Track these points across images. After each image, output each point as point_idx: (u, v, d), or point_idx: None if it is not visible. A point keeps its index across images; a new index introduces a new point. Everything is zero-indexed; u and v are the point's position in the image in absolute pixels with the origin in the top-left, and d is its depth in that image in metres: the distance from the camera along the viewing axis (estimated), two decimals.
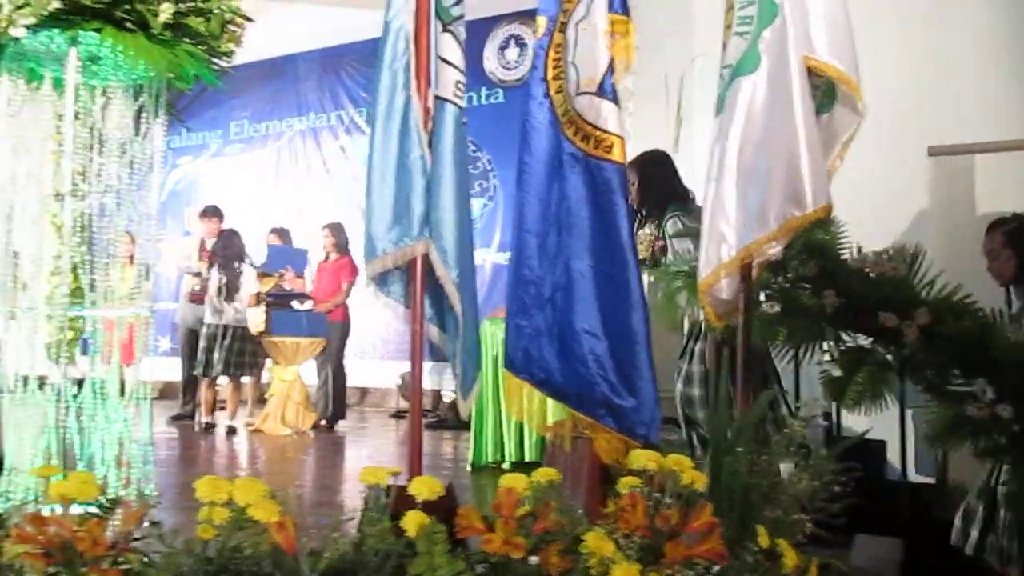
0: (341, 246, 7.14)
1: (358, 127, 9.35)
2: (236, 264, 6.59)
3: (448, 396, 7.86)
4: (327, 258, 7.23)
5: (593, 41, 2.29)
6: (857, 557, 2.50)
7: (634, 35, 2.49)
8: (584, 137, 2.28)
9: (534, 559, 1.23)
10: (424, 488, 1.37)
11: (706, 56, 6.90)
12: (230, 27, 2.36)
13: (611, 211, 2.26)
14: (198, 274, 6.81)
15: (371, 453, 5.93)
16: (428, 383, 8.36)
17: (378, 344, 8.92)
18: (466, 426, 7.04)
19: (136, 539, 1.33)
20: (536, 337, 2.28)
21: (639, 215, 3.81)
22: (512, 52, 8.62)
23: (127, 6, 2.12)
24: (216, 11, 2.25)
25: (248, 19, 2.32)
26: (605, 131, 2.25)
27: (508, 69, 8.59)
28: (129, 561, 1.19)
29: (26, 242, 2.29)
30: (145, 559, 1.21)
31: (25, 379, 2.19)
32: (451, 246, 2.13)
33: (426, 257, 2.15)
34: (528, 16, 8.45)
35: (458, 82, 2.20)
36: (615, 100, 2.30)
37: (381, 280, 2.27)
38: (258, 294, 7.09)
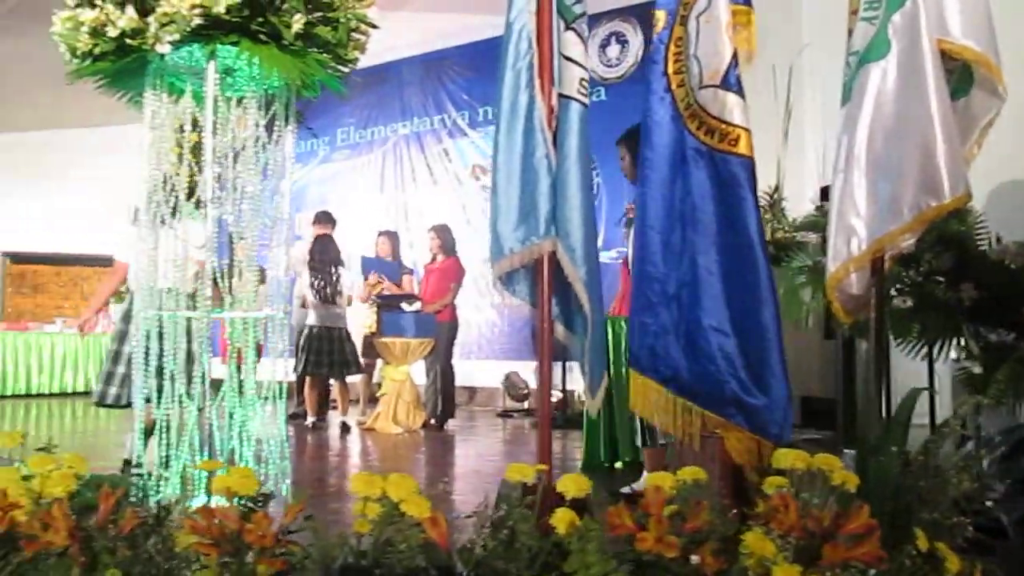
0: (447, 248, 7.24)
1: (460, 130, 9.49)
2: (332, 268, 6.80)
3: (556, 395, 7.88)
4: (434, 260, 7.33)
5: (716, 33, 2.25)
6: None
7: (755, 25, 2.44)
8: (708, 131, 2.24)
9: (695, 558, 1.21)
10: (572, 485, 1.37)
11: (814, 45, 6.73)
12: (355, 35, 2.42)
13: (738, 205, 2.21)
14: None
15: (482, 451, 5.98)
16: (533, 382, 8.42)
17: (484, 344, 9.03)
18: (573, 424, 7.06)
19: (291, 532, 1.37)
20: (662, 335, 2.25)
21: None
22: (613, 50, 8.58)
23: (261, 18, 2.20)
24: (343, 20, 2.31)
25: (374, 26, 2.37)
26: (730, 124, 2.21)
27: (609, 67, 8.56)
28: (291, 553, 1.23)
29: (170, 248, 2.39)
30: (304, 551, 1.25)
31: (172, 377, 2.29)
32: (578, 244, 2.13)
33: (552, 256, 2.15)
34: (629, 13, 8.43)
35: (582, 79, 2.19)
36: (740, 92, 2.25)
37: (507, 279, 2.28)
38: (368, 296, 7.29)
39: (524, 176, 2.15)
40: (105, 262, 12.27)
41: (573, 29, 2.21)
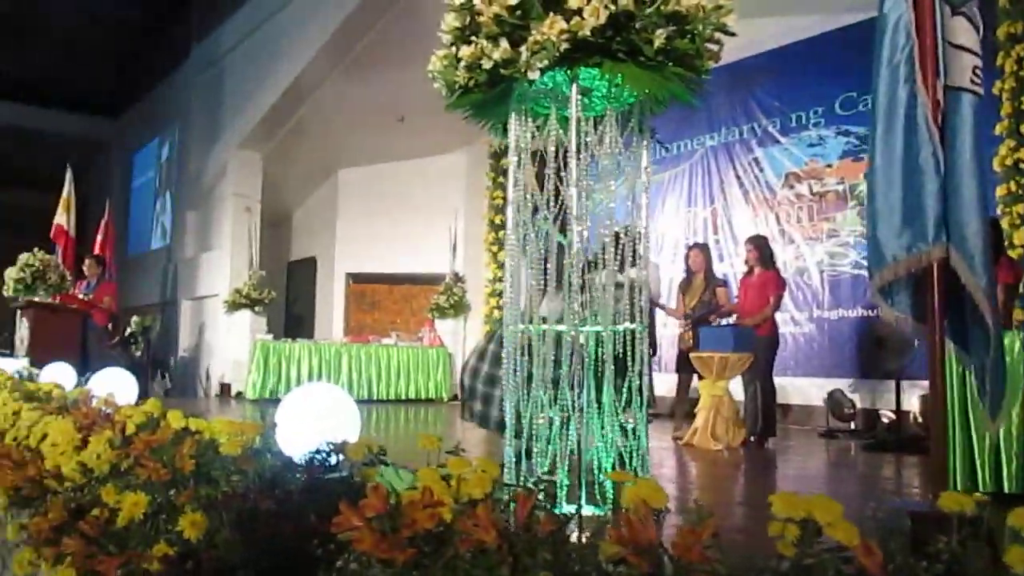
0: (765, 259, 6.99)
1: (772, 138, 9.16)
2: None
3: (886, 416, 7.30)
4: (750, 272, 7.11)
5: None
6: None
7: None
8: None
9: None
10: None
11: None
12: (709, 45, 2.39)
13: None
14: None
15: (807, 472, 5.66)
16: (860, 402, 7.85)
17: (802, 360, 8.60)
18: (908, 449, 6.47)
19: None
20: None
21: None
22: None
23: (620, 37, 2.25)
24: (700, 30, 2.29)
25: (732, 34, 2.33)
26: None
27: None
28: (715, 571, 1.20)
29: (534, 265, 2.50)
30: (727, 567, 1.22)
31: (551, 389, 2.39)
32: (977, 251, 1.92)
33: (943, 264, 1.96)
34: None
35: (975, 68, 1.98)
36: None
37: (887, 291, 2.11)
38: (684, 311, 7.24)
39: (907, 178, 1.99)
40: (431, 280, 13.42)
41: (962, 14, 2.00)
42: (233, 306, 12.53)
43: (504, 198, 12.52)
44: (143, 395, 4.87)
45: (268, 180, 13.66)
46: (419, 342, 12.57)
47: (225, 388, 12.95)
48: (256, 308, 12.50)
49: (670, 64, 2.32)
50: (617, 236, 2.53)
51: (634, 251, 2.49)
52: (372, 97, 12.12)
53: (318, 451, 1.99)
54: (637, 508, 1.31)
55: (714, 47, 2.42)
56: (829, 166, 8.60)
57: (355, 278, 14.46)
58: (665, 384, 7.70)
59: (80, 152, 18.36)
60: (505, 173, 12.45)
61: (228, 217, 13.39)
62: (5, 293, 9.69)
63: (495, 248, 12.53)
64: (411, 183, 13.88)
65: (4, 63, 18.02)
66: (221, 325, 13.13)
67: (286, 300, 15.81)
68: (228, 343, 12.88)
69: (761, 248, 7.01)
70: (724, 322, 7.17)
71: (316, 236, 15.41)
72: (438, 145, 13.32)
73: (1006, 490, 4.18)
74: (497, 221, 12.58)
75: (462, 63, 2.36)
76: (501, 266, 12.35)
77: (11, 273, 9.58)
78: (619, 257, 2.56)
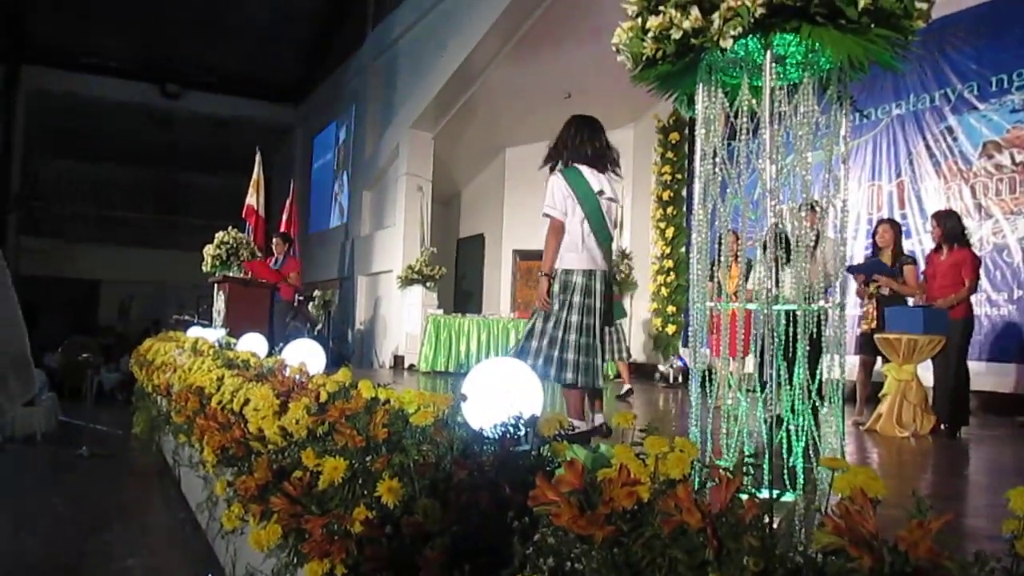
0: (953, 236, 6.46)
1: (968, 103, 8.46)
2: None
3: None
4: (939, 249, 6.61)
5: None
6: None
7: None
8: None
9: None
10: None
11: None
12: (918, 3, 2.21)
13: None
14: None
15: (1005, 466, 5.23)
16: None
17: (999, 344, 7.95)
18: None
19: None
20: None
21: None
22: None
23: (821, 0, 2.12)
24: None
25: None
26: None
27: None
28: (946, 569, 1.12)
29: (723, 242, 2.43)
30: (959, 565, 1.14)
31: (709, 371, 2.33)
32: None
33: None
34: None
35: None
36: None
37: None
38: (867, 289, 6.86)
39: None
40: None
41: None
42: (406, 281, 13.01)
43: (672, 174, 12.33)
44: (329, 366, 5.14)
45: (438, 159, 14.04)
46: None
47: (398, 360, 13.49)
48: (428, 284, 12.93)
49: (874, 25, 2.17)
50: (813, 208, 2.41)
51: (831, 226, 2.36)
52: (538, 75, 12.17)
53: (508, 424, 2.02)
54: (855, 497, 1.24)
55: (924, 4, 2.23)
56: None
57: (522, 255, 14.65)
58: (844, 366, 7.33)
59: (267, 137, 19.60)
60: (673, 148, 12.25)
61: (401, 196, 13.88)
62: (204, 268, 10.50)
63: (662, 225, 12.32)
64: None
65: (201, 56, 19.46)
66: (395, 300, 13.68)
67: (455, 276, 16.25)
68: (401, 317, 13.40)
69: (948, 224, 6.50)
70: (911, 302, 6.73)
71: (484, 213, 15.72)
72: (605, 121, 13.09)
73: None
74: (665, 197, 12.34)
75: (649, 34, 2.30)
76: (669, 243, 12.12)
77: (209, 250, 10.36)
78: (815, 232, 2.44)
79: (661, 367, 11.52)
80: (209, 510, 4.03)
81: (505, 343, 11.76)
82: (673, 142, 12.33)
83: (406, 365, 12.96)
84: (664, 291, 12.10)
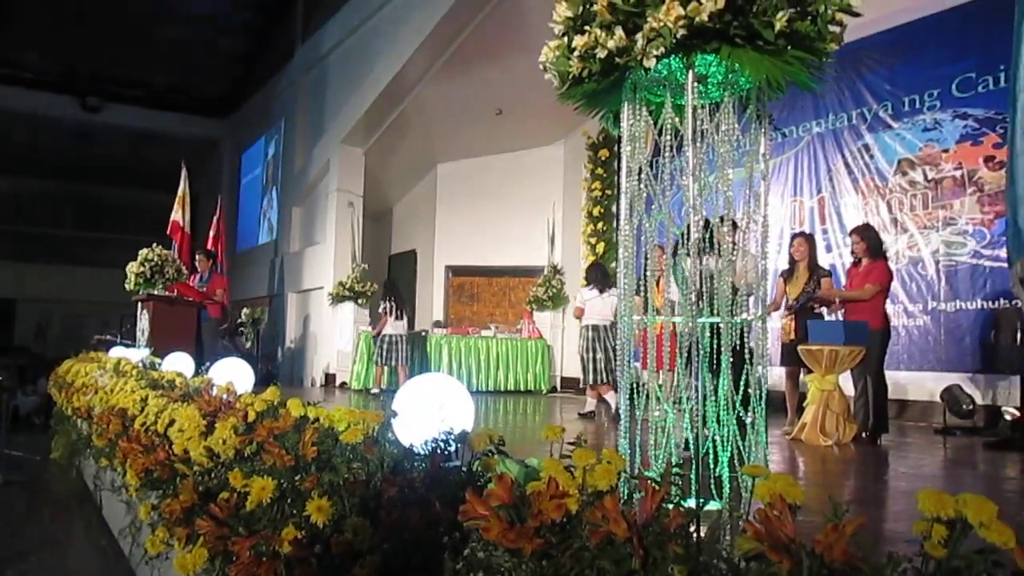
0: (873, 250, 6.73)
1: (883, 122, 8.81)
2: None
3: (1010, 413, 6.94)
4: (858, 263, 6.86)
5: None
6: None
7: None
8: None
9: None
10: None
11: None
12: (831, 26, 2.31)
13: None
14: None
15: (922, 471, 5.42)
16: (980, 398, 7.49)
17: (916, 354, 8.26)
18: None
19: None
20: None
21: None
22: None
23: (739, 21, 2.19)
24: (822, 11, 2.21)
25: (857, 14, 2.24)
26: None
27: None
28: (859, 571, 1.16)
29: (649, 257, 2.47)
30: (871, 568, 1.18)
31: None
32: None
33: None
34: None
35: None
36: None
37: None
38: (786, 303, 7.06)
39: None
40: (529, 272, 13.48)
41: None
42: (337, 298, 12.88)
43: (602, 190, 12.49)
44: (257, 384, 5.05)
45: (370, 175, 13.97)
46: (518, 334, 12.65)
47: (330, 378, 13.32)
48: (359, 300, 12.81)
49: (791, 48, 2.25)
50: (735, 224, 2.47)
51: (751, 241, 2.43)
52: (470, 92, 12.24)
53: (439, 440, 2.02)
54: (775, 503, 1.28)
55: (836, 29, 2.33)
56: (946, 151, 8.21)
57: (454, 270, 14.64)
58: (770, 378, 7.53)
59: (194, 152, 19.21)
60: (603, 165, 12.43)
61: (332, 212, 13.75)
62: (127, 287, 10.21)
63: (593, 240, 12.47)
64: (509, 176, 13.96)
65: (127, 70, 19.02)
66: (326, 317, 13.52)
67: None
68: (332, 334, 13.24)
69: (868, 237, 6.76)
70: (827, 313, 6.95)
71: (416, 229, 15.68)
72: (536, 138, 13.35)
73: None
74: (595, 213, 12.51)
75: (575, 53, 2.34)
76: (600, 258, 12.28)
77: (132, 268, 10.08)
78: (735, 247, 2.51)
79: None
80: (132, 536, 3.91)
81: (438, 360, 11.73)
82: (603, 158, 12.51)
83: (338, 383, 12.81)
84: None
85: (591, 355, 8.07)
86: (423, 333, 12.41)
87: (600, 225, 12.46)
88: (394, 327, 11.01)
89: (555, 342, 13.03)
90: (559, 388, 13.06)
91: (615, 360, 7.33)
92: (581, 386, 12.08)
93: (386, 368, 11.11)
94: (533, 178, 13.80)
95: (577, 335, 8.48)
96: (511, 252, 13.77)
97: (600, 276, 8.30)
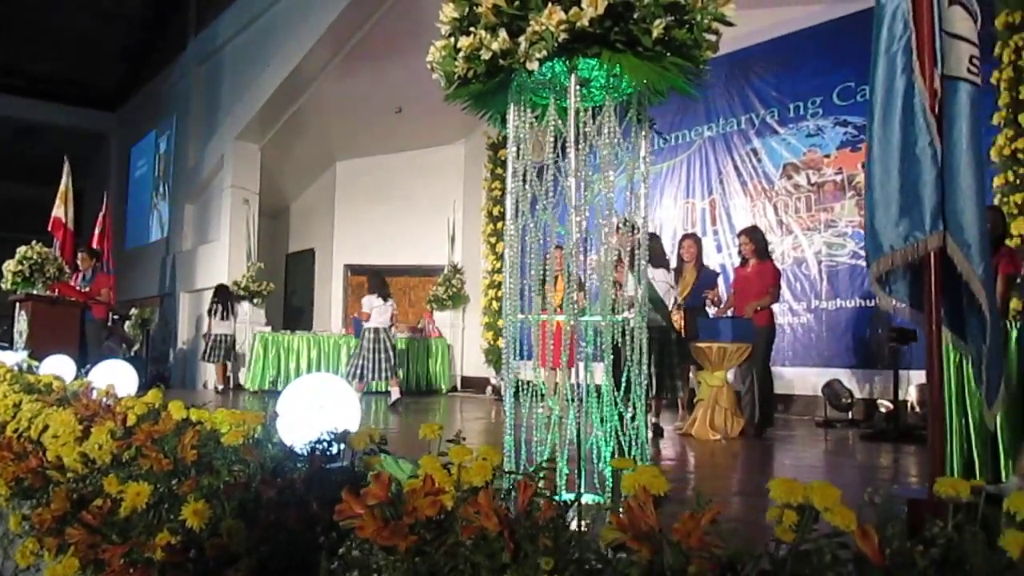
0: (760, 251, 7.00)
1: (770, 127, 9.16)
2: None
3: (884, 406, 7.33)
4: (745, 263, 7.12)
5: None
6: None
7: None
8: None
9: None
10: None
11: None
12: (707, 35, 2.39)
13: None
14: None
15: (804, 461, 5.67)
16: (858, 391, 7.88)
17: (800, 351, 8.62)
18: (906, 438, 6.51)
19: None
20: None
21: None
22: None
23: (619, 27, 2.25)
24: (698, 21, 2.30)
25: (730, 24, 2.33)
26: None
27: None
28: (715, 556, 1.22)
29: (535, 257, 2.51)
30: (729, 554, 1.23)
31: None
32: (974, 239, 1.92)
33: (940, 253, 1.97)
34: None
35: (972, 57, 1.98)
36: None
37: (885, 280, 2.12)
38: (675, 301, 7.26)
39: (904, 167, 1.99)
40: (430, 272, 13.43)
41: (960, 3, 2.00)
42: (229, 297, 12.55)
43: (502, 190, 12.57)
44: (143, 387, 4.88)
45: (266, 172, 13.65)
46: (418, 334, 12.59)
47: (225, 380, 12.95)
48: (255, 300, 12.52)
49: (668, 54, 2.33)
50: (617, 227, 2.53)
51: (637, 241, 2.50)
52: (370, 89, 12.11)
53: (320, 441, 2.00)
54: (638, 495, 1.32)
55: (712, 37, 2.42)
56: (827, 156, 8.61)
57: (353, 270, 14.46)
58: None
59: (80, 145, 18.36)
60: (503, 165, 12.50)
61: (226, 209, 13.37)
62: (3, 286, 9.69)
63: (493, 239, 12.53)
64: (409, 175, 13.87)
65: (10, 58, 18.02)
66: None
67: (285, 292, 15.81)
68: None
69: (756, 239, 7.03)
70: (714, 311, 7.20)
71: (314, 228, 15.40)
72: (436, 137, 13.32)
73: (1003, 479, 4.21)
74: (495, 213, 12.57)
75: (461, 54, 2.36)
76: (499, 257, 12.35)
77: (9, 266, 9.57)
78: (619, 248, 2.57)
79: (493, 380, 11.70)
80: (4, 548, 3.73)
81: (336, 360, 11.56)
82: (503, 158, 12.57)
83: (232, 384, 12.47)
84: (495, 305, 12.30)
85: (374, 355, 9.47)
86: (321, 334, 12.21)
87: (500, 225, 12.52)
88: (220, 327, 11.96)
89: (455, 341, 13.04)
90: (459, 387, 13.07)
91: (394, 358, 9.51)
92: (472, 386, 12.14)
93: (213, 365, 12.18)
94: (433, 177, 13.76)
95: (362, 336, 9.71)
96: (411, 251, 13.70)
97: (381, 285, 9.62)
